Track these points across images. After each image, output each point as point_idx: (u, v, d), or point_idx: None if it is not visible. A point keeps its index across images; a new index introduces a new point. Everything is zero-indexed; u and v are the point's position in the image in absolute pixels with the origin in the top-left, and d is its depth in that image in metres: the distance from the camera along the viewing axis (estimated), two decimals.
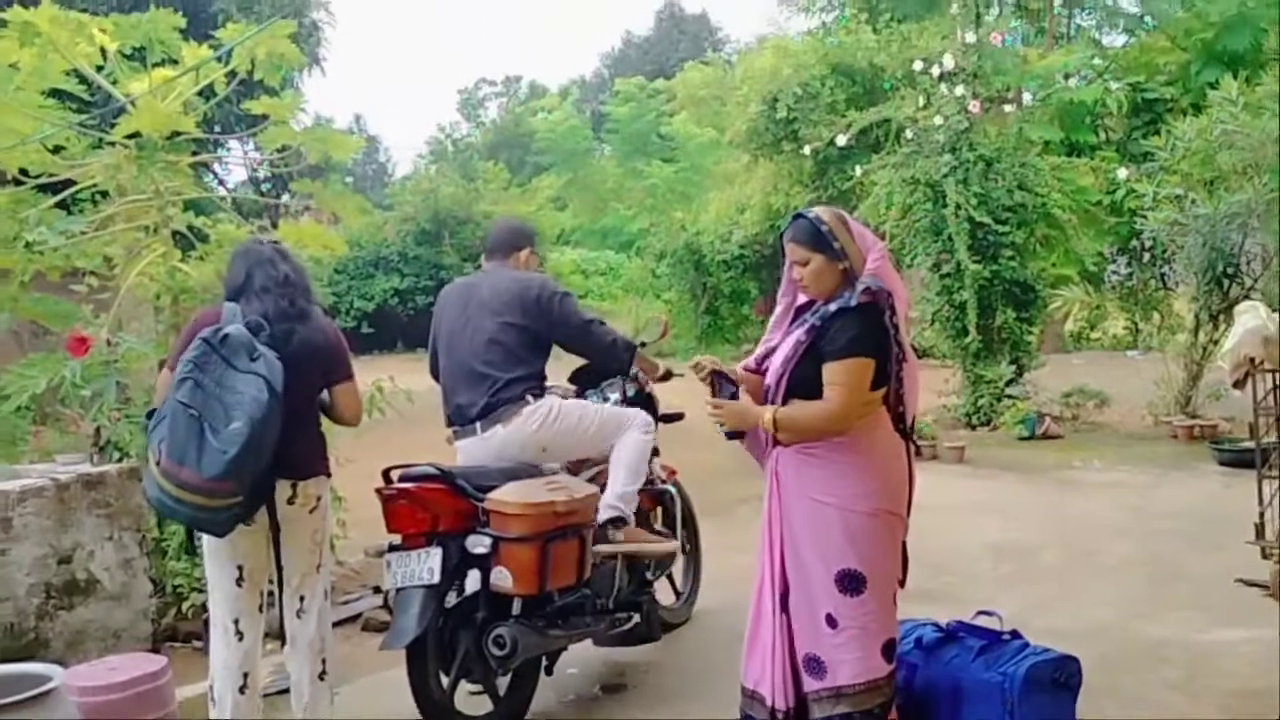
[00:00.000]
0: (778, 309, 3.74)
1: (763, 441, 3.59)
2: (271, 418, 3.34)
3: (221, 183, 15.71)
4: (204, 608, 5.19)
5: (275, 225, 6.92)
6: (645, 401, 4.95)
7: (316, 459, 3.76)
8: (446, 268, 25.67)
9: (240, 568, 3.70)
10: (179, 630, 5.31)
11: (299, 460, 3.66)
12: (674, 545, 4.68)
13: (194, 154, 5.97)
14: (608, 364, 4.69)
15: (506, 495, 3.84)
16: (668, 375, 4.90)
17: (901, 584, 3.55)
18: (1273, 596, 5.09)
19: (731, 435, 3.53)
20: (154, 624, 5.15)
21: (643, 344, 4.76)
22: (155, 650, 4.77)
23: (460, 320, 4.36)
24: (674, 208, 24.72)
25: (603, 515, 4.32)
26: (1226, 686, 4.04)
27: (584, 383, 4.94)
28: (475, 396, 4.24)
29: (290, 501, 3.65)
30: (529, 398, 4.24)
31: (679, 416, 5.11)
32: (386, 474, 3.92)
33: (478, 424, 4.22)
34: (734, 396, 3.52)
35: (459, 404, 4.31)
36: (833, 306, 3.40)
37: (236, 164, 18.03)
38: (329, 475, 3.82)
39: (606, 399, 4.86)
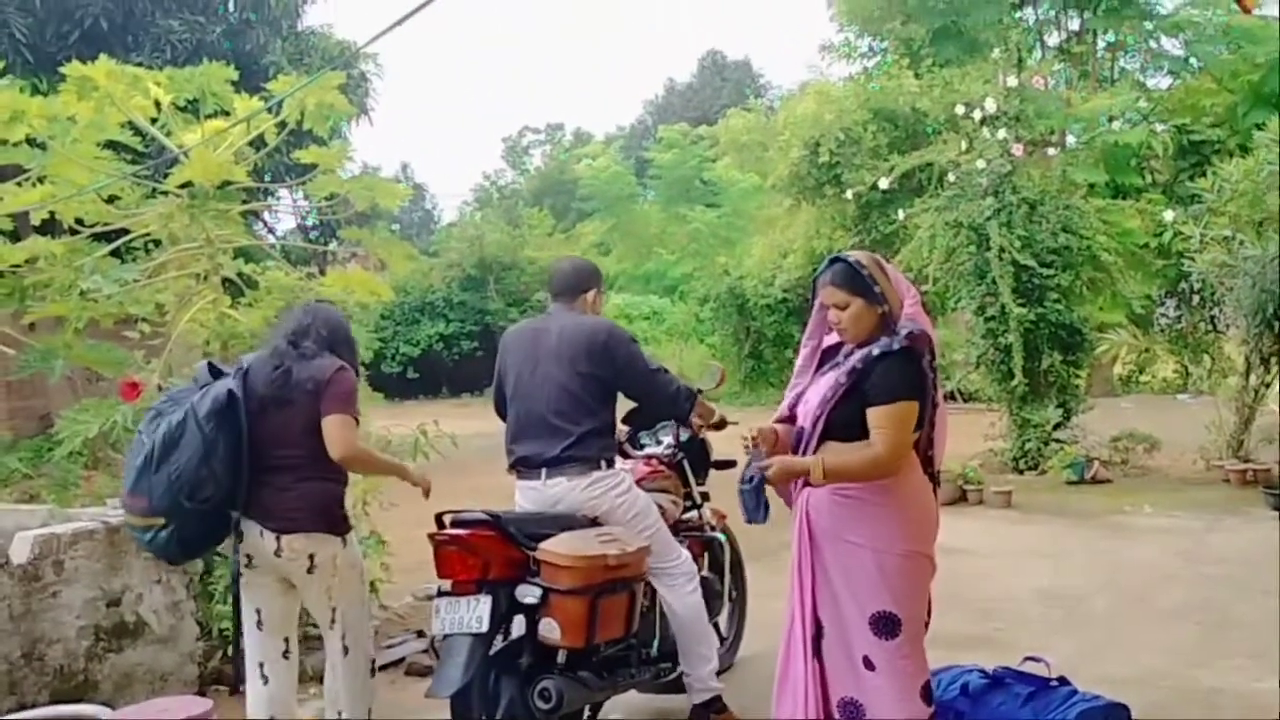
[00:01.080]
0: (804, 351, 3.75)
1: (791, 483, 3.59)
2: (179, 443, 3.48)
3: (271, 230, 16.00)
4: None
5: (323, 272, 7.04)
6: (699, 447, 4.96)
7: (309, 514, 3.71)
8: (492, 313, 25.89)
9: (258, 611, 3.78)
10: (225, 674, 5.34)
11: (279, 511, 3.67)
12: None
13: (244, 202, 6.09)
14: (669, 413, 4.67)
15: (558, 546, 3.82)
16: (723, 423, 4.89)
17: (926, 626, 3.52)
18: None
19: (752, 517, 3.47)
20: (200, 667, 5.19)
21: (700, 391, 4.78)
22: (201, 693, 4.80)
23: (529, 365, 4.27)
24: (717, 252, 24.83)
25: (698, 698, 4.28)
26: None
27: (637, 424, 4.95)
28: (545, 447, 4.16)
29: (277, 554, 3.66)
30: (603, 463, 4.20)
31: (732, 464, 5.10)
32: (440, 518, 3.94)
33: (544, 472, 4.17)
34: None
35: (527, 454, 4.22)
36: (875, 350, 3.40)
37: (286, 212, 18.36)
38: (338, 534, 3.77)
39: (660, 442, 4.86)
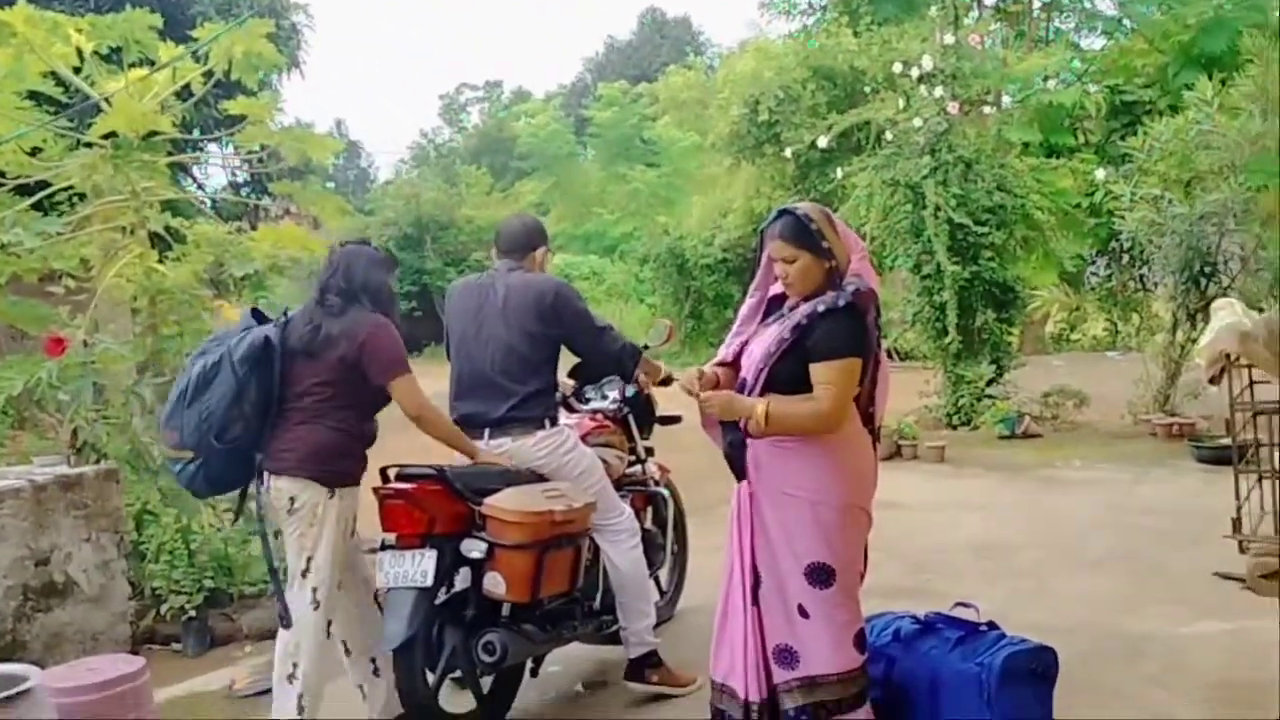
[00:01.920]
0: (749, 301, 3.75)
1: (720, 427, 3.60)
2: (212, 383, 3.62)
3: (200, 186, 15.65)
4: (183, 610, 5.19)
5: (254, 227, 6.91)
6: (644, 403, 4.96)
7: (297, 457, 3.71)
8: (429, 272, 25.62)
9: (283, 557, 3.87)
10: (158, 633, 5.28)
11: (279, 453, 3.71)
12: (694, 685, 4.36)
13: (170, 155, 5.95)
14: (615, 370, 4.67)
15: (505, 502, 3.81)
16: (669, 379, 4.89)
17: (861, 577, 3.57)
18: (1249, 589, 5.13)
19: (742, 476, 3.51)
20: (133, 626, 5.13)
21: (646, 347, 4.77)
22: (134, 653, 4.74)
23: (474, 324, 4.23)
24: (657, 212, 24.83)
25: (634, 652, 4.29)
26: (1205, 679, 4.07)
27: (583, 379, 4.93)
28: (489, 407, 4.13)
29: (266, 492, 3.72)
30: (547, 422, 4.17)
31: (677, 419, 5.13)
32: (384, 472, 3.90)
33: (487, 431, 4.13)
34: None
35: (470, 412, 4.17)
36: (821, 306, 3.40)
37: (216, 167, 17.96)
38: (326, 484, 3.73)
39: (605, 397, 4.85)
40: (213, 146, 12.09)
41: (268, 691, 4.49)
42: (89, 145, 5.44)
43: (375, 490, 3.86)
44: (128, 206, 5.52)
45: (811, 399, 3.38)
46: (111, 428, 5.31)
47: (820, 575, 3.40)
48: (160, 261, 5.67)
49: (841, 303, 3.38)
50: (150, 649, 5.09)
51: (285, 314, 3.86)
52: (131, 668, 4.02)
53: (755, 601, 3.48)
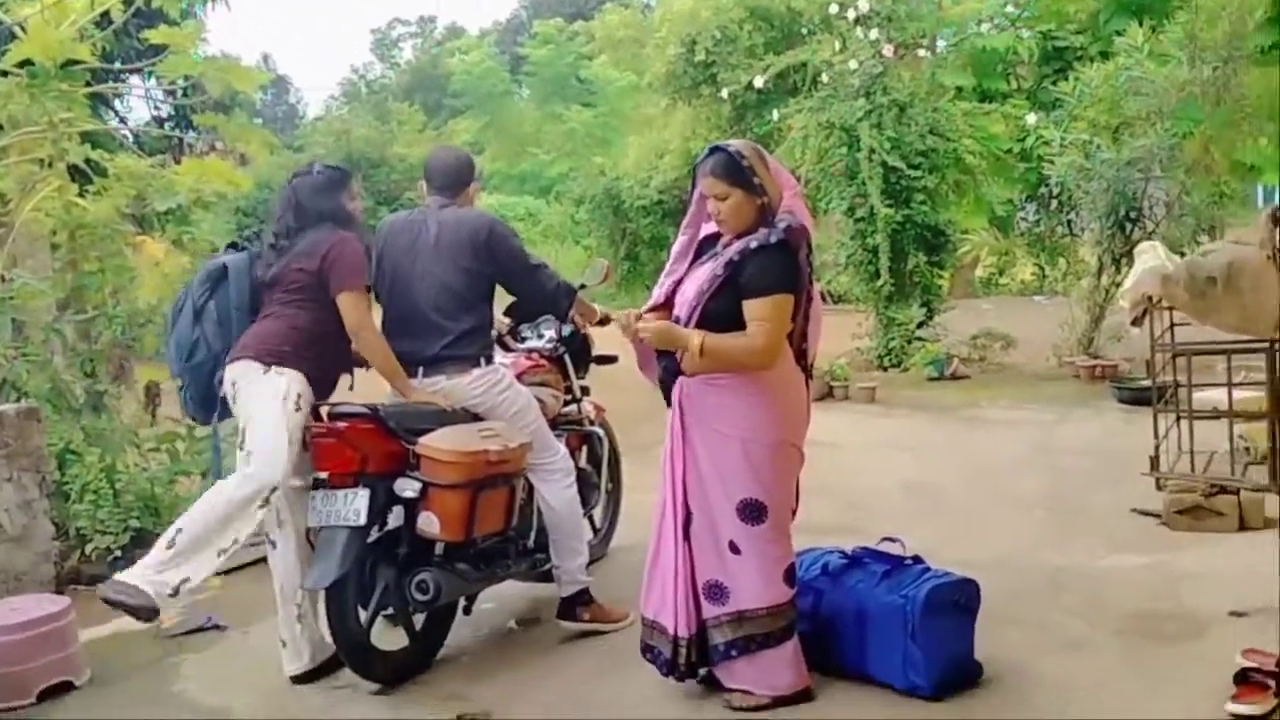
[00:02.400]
0: (681, 238, 3.75)
1: (655, 379, 3.62)
2: (180, 309, 3.97)
3: (123, 120, 15.19)
4: (109, 551, 5.12)
5: (178, 161, 6.74)
6: (580, 342, 4.95)
7: (243, 345, 3.85)
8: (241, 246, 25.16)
9: None
10: (82, 573, 5.20)
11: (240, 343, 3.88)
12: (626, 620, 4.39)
13: (89, 84, 5.76)
14: (549, 309, 4.65)
15: (439, 442, 3.78)
16: (605, 320, 4.88)
17: (793, 514, 3.63)
18: (1165, 525, 5.29)
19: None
20: (57, 567, 5.05)
21: (583, 286, 4.74)
22: (59, 593, 4.66)
23: (406, 262, 4.14)
24: (593, 152, 24.63)
25: (567, 590, 4.29)
26: (1120, 609, 4.20)
27: (518, 317, 4.90)
28: (423, 345, 4.07)
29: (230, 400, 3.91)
30: (482, 360, 4.13)
31: (613, 359, 5.13)
32: (317, 411, 3.86)
33: (421, 370, 4.07)
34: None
35: (403, 350, 4.10)
36: (753, 243, 3.41)
37: (138, 100, 17.45)
38: (263, 362, 3.81)
39: (542, 336, 4.83)
40: (134, 78, 11.74)
41: (196, 631, 4.50)
42: (3, 74, 5.24)
43: (307, 429, 3.82)
44: (45, 138, 5.35)
45: (746, 335, 3.40)
46: (31, 365, 5.19)
47: (752, 511, 3.45)
48: (80, 195, 5.51)
49: (773, 239, 3.39)
50: (76, 590, 5.01)
51: (255, 250, 4.04)
52: (56, 607, 3.99)
53: (686, 538, 3.53)
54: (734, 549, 3.47)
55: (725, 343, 3.40)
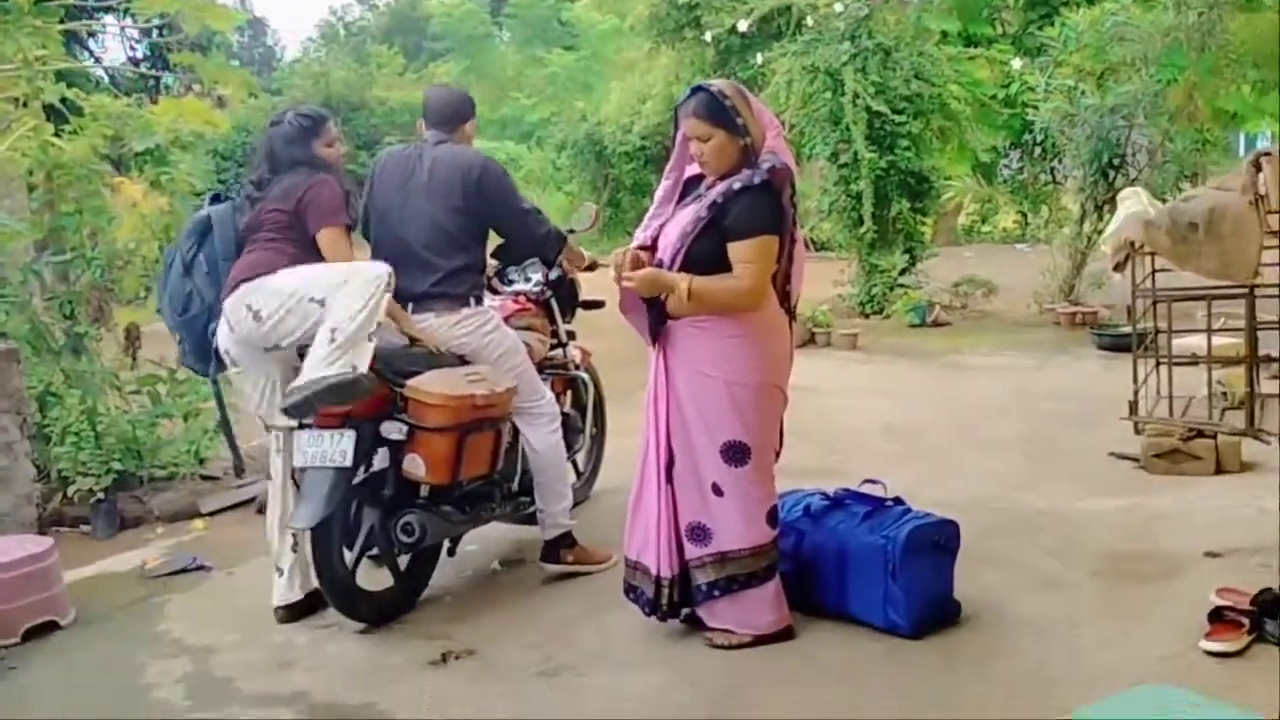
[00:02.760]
0: (664, 182, 3.72)
1: (641, 324, 3.62)
2: (170, 265, 4.00)
3: (98, 60, 14.95)
4: (91, 493, 5.11)
5: (155, 102, 6.64)
6: (567, 286, 4.93)
7: (244, 274, 3.83)
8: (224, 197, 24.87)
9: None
10: (65, 515, 5.21)
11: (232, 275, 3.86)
12: (609, 562, 4.39)
13: (64, 21, 5.66)
14: (538, 254, 4.62)
15: (426, 385, 3.78)
16: (593, 266, 4.88)
17: (777, 455, 3.65)
18: (1142, 468, 5.35)
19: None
20: (39, 509, 5.05)
21: (572, 231, 4.71)
22: (42, 534, 4.66)
23: (399, 196, 4.11)
24: (575, 97, 24.40)
25: (550, 533, 4.29)
26: (1096, 550, 4.25)
27: (506, 260, 4.87)
28: (412, 282, 4.03)
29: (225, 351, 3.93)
30: (472, 300, 4.11)
31: (600, 304, 5.13)
32: (302, 352, 3.83)
33: (410, 306, 4.05)
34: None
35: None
36: (737, 184, 3.40)
37: (114, 42, 17.16)
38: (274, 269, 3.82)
39: (529, 279, 4.81)
40: (109, 16, 11.55)
41: (180, 571, 4.52)
42: None
43: (294, 369, 3.81)
44: (20, 76, 5.26)
45: (732, 277, 3.40)
46: (10, 307, 5.15)
47: (736, 453, 3.47)
48: (56, 135, 5.43)
49: (757, 180, 3.37)
50: (59, 531, 5.02)
51: (234, 199, 4.04)
52: (39, 548, 3.99)
53: (670, 480, 3.55)
54: (716, 491, 3.49)
55: (712, 285, 3.40)
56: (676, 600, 3.56)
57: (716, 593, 3.51)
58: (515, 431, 4.31)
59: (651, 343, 3.57)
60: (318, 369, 3.60)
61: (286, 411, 3.70)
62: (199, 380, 5.70)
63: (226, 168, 18.43)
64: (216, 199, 4.15)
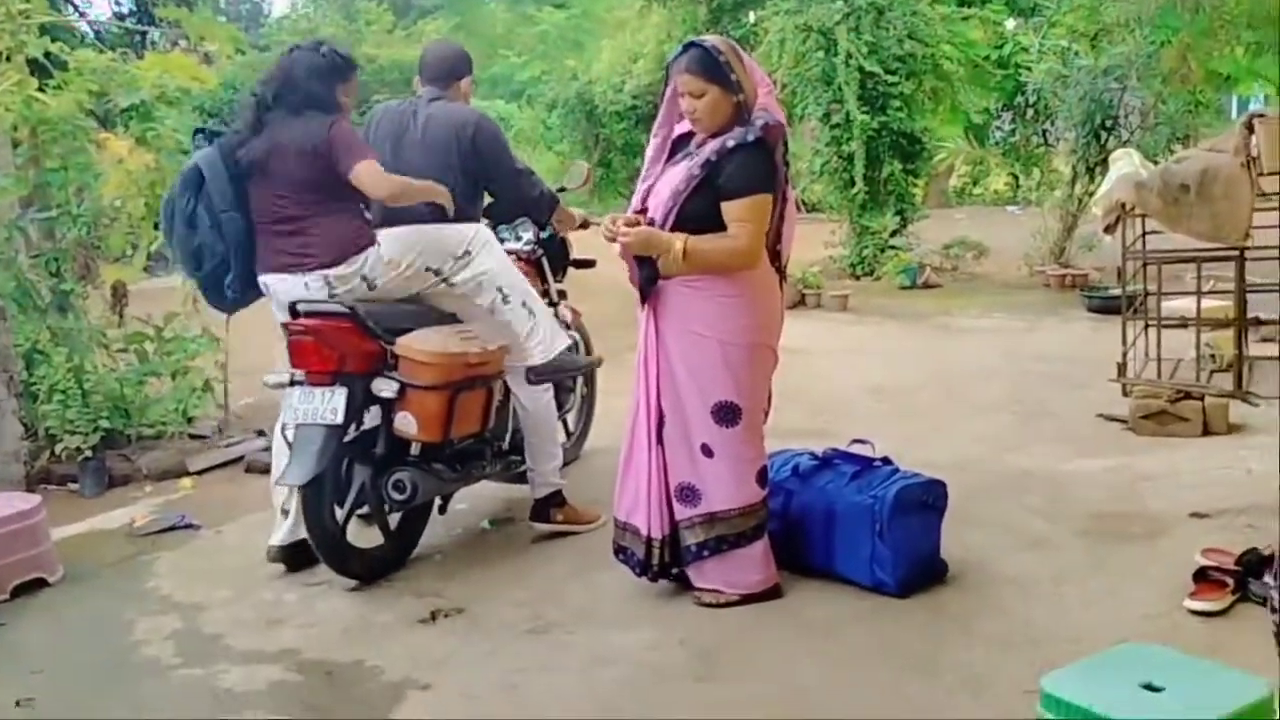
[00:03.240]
0: (654, 141, 3.69)
1: (634, 282, 3.60)
2: (172, 223, 3.87)
3: (82, 14, 14.76)
4: (79, 451, 5.10)
5: (140, 57, 6.56)
6: (558, 245, 4.91)
7: (323, 248, 3.80)
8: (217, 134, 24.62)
9: None
10: (53, 473, 5.20)
11: (308, 254, 3.80)
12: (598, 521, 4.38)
13: None
14: (530, 215, 4.60)
15: (418, 343, 3.77)
16: (585, 225, 4.87)
17: (765, 416, 3.65)
18: (1130, 430, 5.37)
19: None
20: (27, 467, 5.04)
21: (563, 189, 4.68)
22: (29, 492, 4.65)
23: (392, 153, 4.07)
24: (566, 56, 24.15)
25: (540, 492, 4.29)
26: (1083, 510, 4.27)
27: (496, 218, 4.84)
28: None
29: (306, 287, 3.83)
30: None
31: (591, 263, 5.12)
32: (294, 308, 3.81)
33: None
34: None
35: None
36: (730, 142, 3.37)
37: None
38: (357, 253, 3.83)
39: (519, 238, 4.78)
40: None
41: (168, 530, 4.52)
42: None
43: (284, 326, 3.80)
44: (3, 30, 5.19)
45: (728, 237, 3.38)
46: None
47: (727, 414, 3.46)
48: (41, 90, 5.37)
49: (751, 137, 3.35)
50: (46, 489, 5.01)
51: (219, 136, 3.91)
52: (27, 505, 3.99)
53: (660, 441, 3.55)
54: (706, 452, 3.49)
55: (708, 245, 3.39)
56: (667, 560, 3.57)
57: (706, 553, 3.52)
58: (506, 390, 4.31)
59: (642, 302, 3.55)
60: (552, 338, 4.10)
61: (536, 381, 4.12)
62: (186, 339, 5.70)
63: (212, 124, 18.24)
64: (201, 134, 4.02)
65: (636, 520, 3.59)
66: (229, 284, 3.87)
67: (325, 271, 3.80)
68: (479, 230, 4.16)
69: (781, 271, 3.66)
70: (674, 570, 3.62)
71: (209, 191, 3.81)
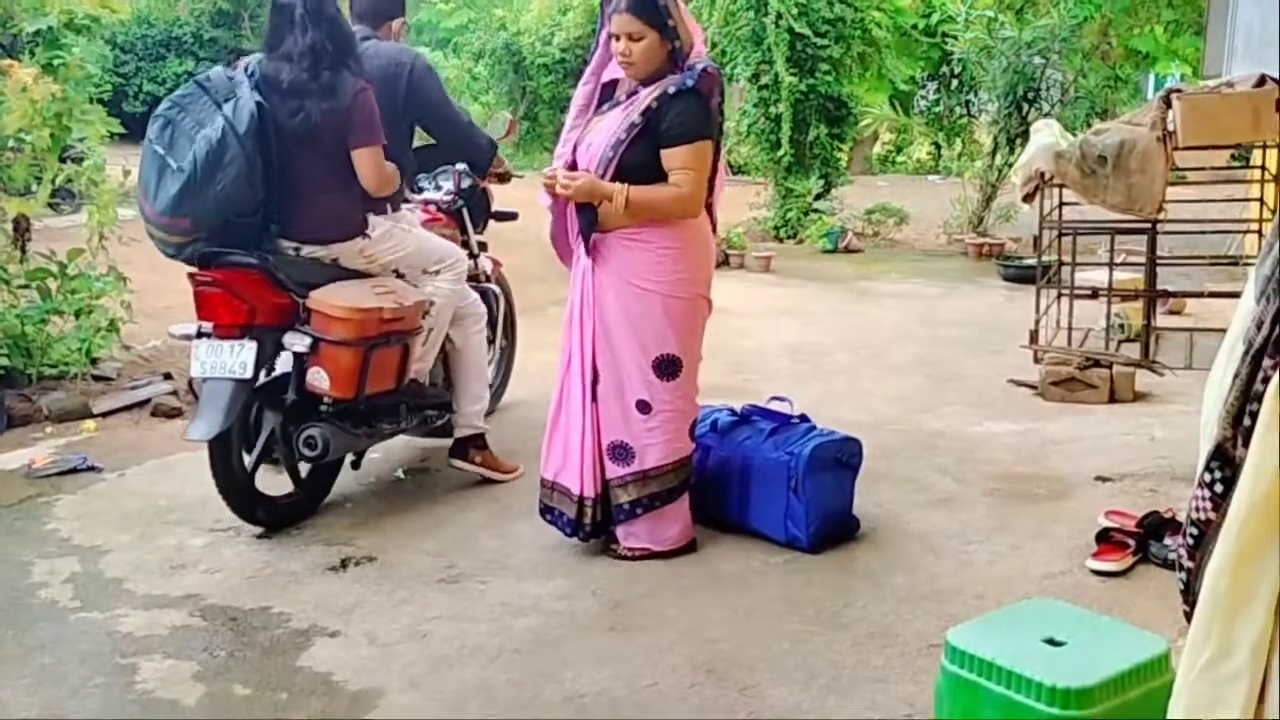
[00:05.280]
0: (581, 89, 3.64)
1: (573, 233, 3.55)
2: (222, 161, 3.49)
3: None
4: None
5: None
6: (480, 196, 4.83)
7: (326, 225, 3.78)
8: (246, 53, 24.01)
9: None
10: None
11: (309, 225, 3.75)
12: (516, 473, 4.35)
13: None
14: (472, 160, 4.50)
15: (331, 297, 3.68)
16: (506, 177, 4.79)
17: None
18: (1040, 395, 5.47)
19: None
20: None
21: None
22: None
23: None
24: (494, 5, 23.71)
25: (462, 432, 4.24)
26: (991, 471, 4.36)
27: (429, 162, 4.73)
28: None
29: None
30: (388, 208, 3.97)
31: (514, 215, 5.04)
32: (203, 258, 3.69)
33: None
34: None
35: None
36: (671, 88, 3.34)
37: None
38: (356, 235, 3.83)
39: (440, 188, 4.69)
40: None
41: (70, 472, 4.38)
42: None
43: (191, 276, 3.68)
44: None
45: (672, 185, 3.35)
46: None
47: (668, 366, 3.45)
48: None
49: (691, 83, 3.33)
50: None
51: (251, 72, 3.74)
52: None
53: (595, 399, 3.51)
54: (642, 408, 3.46)
55: (652, 194, 3.35)
56: (600, 520, 3.55)
57: (639, 510, 3.50)
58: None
59: (586, 251, 3.49)
60: None
61: None
62: (91, 277, 5.51)
63: (126, 61, 17.62)
64: (235, 54, 3.96)
65: (566, 479, 3.56)
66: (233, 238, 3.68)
67: (297, 243, 3.78)
68: (459, 257, 4.22)
69: (713, 221, 3.65)
70: (606, 529, 3.60)
71: (268, 136, 3.61)
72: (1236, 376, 1.55)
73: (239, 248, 3.66)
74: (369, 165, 3.72)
